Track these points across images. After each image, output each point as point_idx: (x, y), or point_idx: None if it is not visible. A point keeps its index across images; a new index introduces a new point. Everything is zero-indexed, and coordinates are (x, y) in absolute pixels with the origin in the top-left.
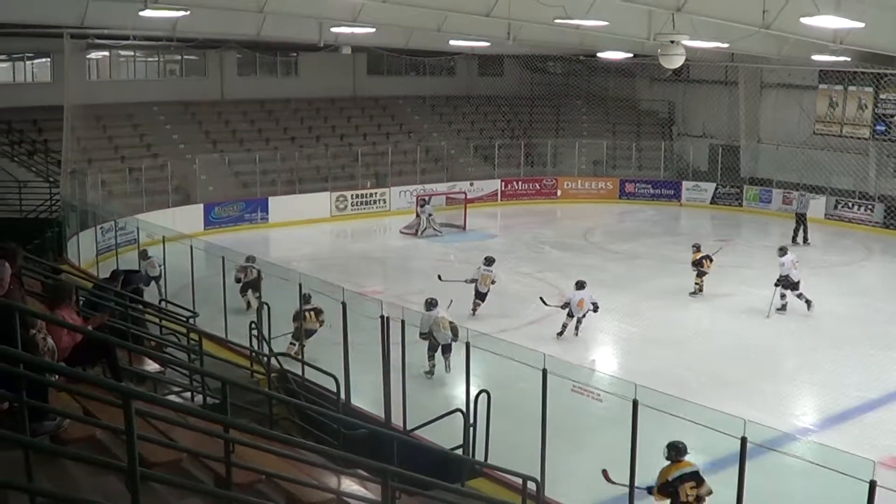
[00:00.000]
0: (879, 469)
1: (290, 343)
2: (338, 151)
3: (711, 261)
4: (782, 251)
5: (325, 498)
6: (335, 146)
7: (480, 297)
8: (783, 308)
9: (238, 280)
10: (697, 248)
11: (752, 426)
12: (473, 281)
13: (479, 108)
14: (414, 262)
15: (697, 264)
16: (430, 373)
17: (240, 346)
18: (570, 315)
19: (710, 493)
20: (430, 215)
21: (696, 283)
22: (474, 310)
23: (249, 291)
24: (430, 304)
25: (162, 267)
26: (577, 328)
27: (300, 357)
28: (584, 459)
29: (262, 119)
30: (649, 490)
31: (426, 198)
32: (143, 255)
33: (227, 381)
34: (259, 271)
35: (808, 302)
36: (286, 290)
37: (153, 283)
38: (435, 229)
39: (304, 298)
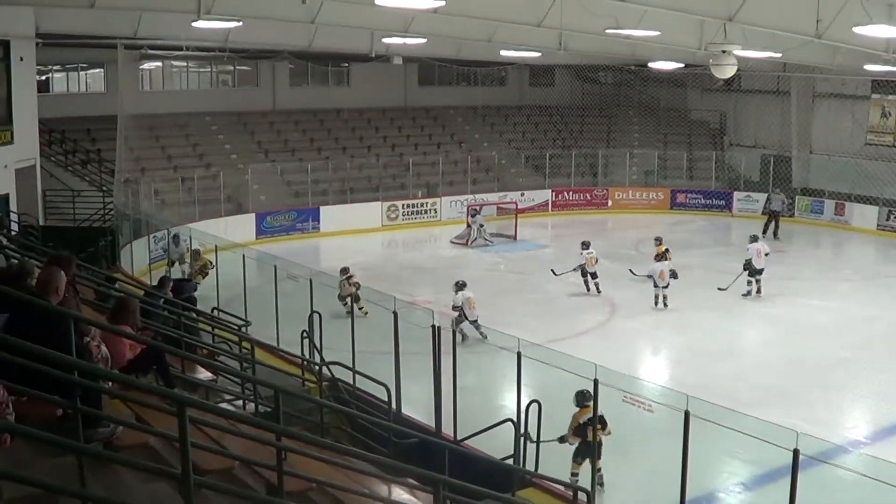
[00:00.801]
0: None
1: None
2: (389, 161)
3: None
4: (753, 238)
5: None
6: (386, 156)
7: (592, 276)
8: (748, 294)
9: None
10: (660, 241)
11: (805, 438)
12: (580, 266)
13: (529, 118)
14: (464, 272)
15: (661, 257)
16: (463, 335)
17: (292, 354)
18: (656, 286)
19: (610, 433)
20: (481, 225)
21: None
22: (598, 287)
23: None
24: (460, 287)
25: (190, 251)
26: (664, 300)
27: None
28: (635, 471)
29: (314, 129)
30: (562, 439)
31: (477, 207)
32: (175, 241)
33: (279, 389)
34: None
35: (759, 290)
36: (336, 300)
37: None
38: (486, 239)
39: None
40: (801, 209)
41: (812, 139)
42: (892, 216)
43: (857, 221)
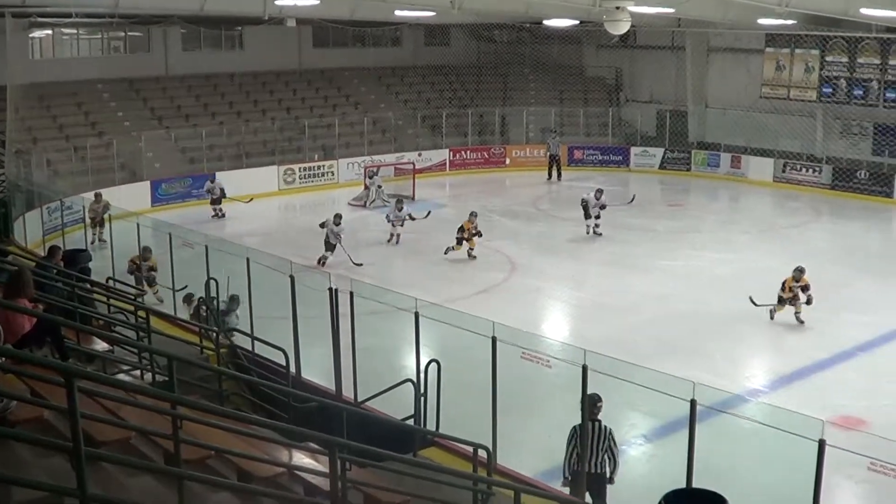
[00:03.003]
0: (829, 428)
1: None
2: (284, 125)
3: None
4: (599, 192)
5: (276, 472)
6: (281, 119)
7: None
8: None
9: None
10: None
11: (702, 389)
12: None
13: (425, 79)
14: (363, 234)
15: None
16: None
17: (189, 322)
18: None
19: None
20: (379, 186)
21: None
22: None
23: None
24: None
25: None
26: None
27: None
28: (536, 426)
29: (208, 94)
30: None
31: (374, 169)
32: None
33: (172, 358)
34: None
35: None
36: (234, 266)
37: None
38: (384, 200)
39: None
40: (697, 163)
41: (707, 93)
42: (787, 168)
43: (754, 174)
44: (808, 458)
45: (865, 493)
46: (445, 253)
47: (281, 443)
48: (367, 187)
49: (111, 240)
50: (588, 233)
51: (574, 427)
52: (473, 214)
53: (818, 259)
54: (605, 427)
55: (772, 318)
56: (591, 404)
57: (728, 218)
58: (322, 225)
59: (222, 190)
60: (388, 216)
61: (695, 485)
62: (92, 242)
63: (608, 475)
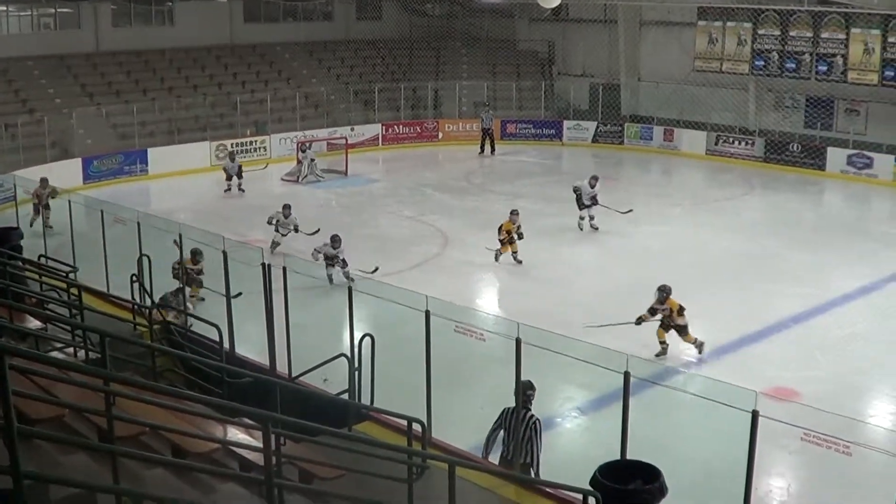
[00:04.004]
0: (762, 399)
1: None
2: (216, 100)
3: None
4: (594, 179)
5: (210, 447)
6: (213, 95)
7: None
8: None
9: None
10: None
11: (636, 361)
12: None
13: (357, 53)
14: (296, 210)
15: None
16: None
17: (122, 299)
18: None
19: None
20: (312, 160)
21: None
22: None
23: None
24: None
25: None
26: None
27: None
28: (471, 400)
29: (139, 70)
30: None
31: (307, 143)
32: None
33: (104, 334)
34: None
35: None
36: (167, 242)
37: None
38: (317, 175)
39: None
40: (630, 136)
41: (640, 67)
42: (720, 141)
43: (687, 147)
44: (742, 429)
45: (799, 463)
46: (496, 260)
47: (215, 418)
48: (299, 162)
49: (43, 217)
50: (580, 228)
51: (504, 410)
52: (514, 213)
53: (751, 232)
54: (531, 416)
55: (496, 259)
56: (523, 391)
57: (661, 191)
58: (270, 221)
59: (240, 167)
60: (271, 220)
61: (629, 457)
62: (31, 225)
63: (531, 465)
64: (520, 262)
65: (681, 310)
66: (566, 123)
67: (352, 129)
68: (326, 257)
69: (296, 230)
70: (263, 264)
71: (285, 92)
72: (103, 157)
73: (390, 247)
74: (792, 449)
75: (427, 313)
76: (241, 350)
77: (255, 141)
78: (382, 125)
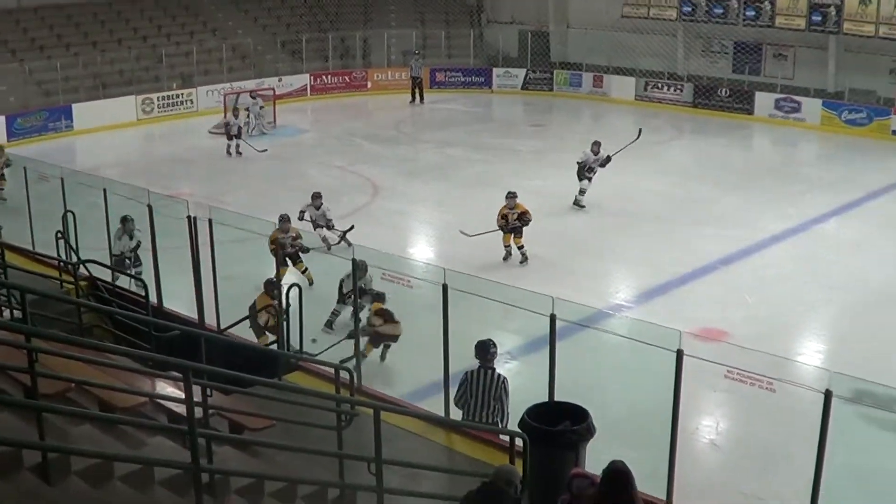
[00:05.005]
0: (688, 339)
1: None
2: (141, 54)
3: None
4: (596, 145)
5: (137, 401)
6: (138, 48)
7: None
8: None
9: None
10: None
11: (562, 304)
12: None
13: (284, 3)
14: (225, 162)
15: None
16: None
17: (47, 256)
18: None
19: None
20: (262, 107)
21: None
22: None
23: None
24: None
25: None
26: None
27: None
28: (401, 347)
29: (62, 24)
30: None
31: (255, 94)
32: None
33: (24, 290)
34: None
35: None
36: (92, 198)
37: None
38: (262, 128)
39: None
40: (559, 83)
41: (569, 13)
42: (649, 87)
43: (616, 93)
44: (669, 369)
45: (724, 400)
46: (504, 260)
47: (142, 372)
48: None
49: None
50: (581, 204)
51: (465, 373)
52: (510, 195)
53: (681, 176)
54: (499, 376)
55: (504, 259)
56: (483, 350)
57: (590, 137)
58: (302, 216)
59: (239, 128)
60: (302, 214)
61: (558, 399)
62: None
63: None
64: (525, 258)
65: (524, 214)
66: (496, 71)
67: (279, 80)
68: (313, 221)
69: (328, 227)
70: (189, 217)
71: (211, 44)
72: (27, 115)
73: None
74: (719, 388)
75: (353, 261)
76: (170, 305)
77: (182, 94)
78: (311, 75)
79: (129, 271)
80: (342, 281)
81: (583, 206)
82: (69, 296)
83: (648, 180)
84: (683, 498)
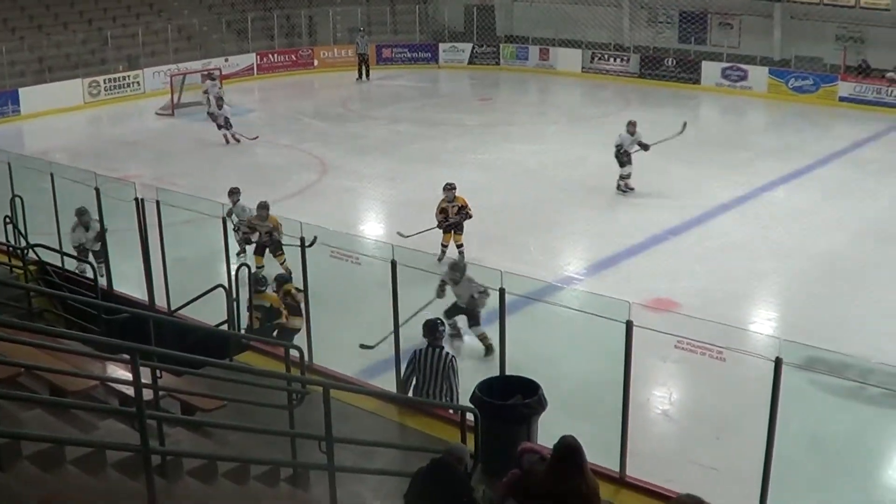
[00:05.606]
0: (638, 310)
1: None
2: (87, 37)
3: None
4: (631, 125)
5: (88, 385)
6: (84, 31)
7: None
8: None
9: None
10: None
11: (511, 277)
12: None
13: None
14: (173, 143)
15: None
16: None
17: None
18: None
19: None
20: (220, 87)
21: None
22: None
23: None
24: None
25: None
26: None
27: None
28: (351, 326)
29: (6, 8)
30: None
31: (213, 72)
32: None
33: None
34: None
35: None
36: (40, 183)
37: None
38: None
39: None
40: (506, 57)
41: None
42: (595, 58)
43: (562, 65)
44: (620, 341)
45: (675, 370)
46: (439, 261)
47: (93, 356)
48: (174, 94)
49: None
50: (620, 189)
51: (413, 352)
52: (448, 187)
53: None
54: (447, 354)
55: (439, 260)
56: (431, 329)
57: (538, 110)
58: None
59: (226, 119)
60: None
61: (509, 373)
62: None
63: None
64: (462, 255)
65: (464, 207)
66: (442, 46)
67: (226, 60)
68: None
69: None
70: (136, 199)
71: (157, 25)
72: None
73: (268, 176)
74: (669, 358)
75: (302, 240)
76: (120, 288)
77: (129, 76)
78: (257, 55)
79: (89, 260)
80: None
81: (631, 189)
82: (18, 281)
83: (596, 152)
84: (636, 469)
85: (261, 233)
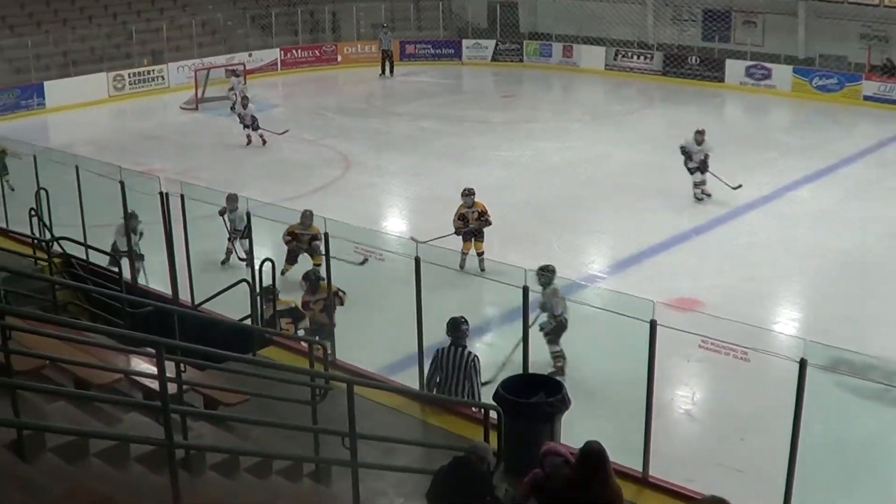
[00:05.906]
0: (662, 309)
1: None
2: (112, 31)
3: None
4: (700, 134)
5: (113, 378)
6: (109, 25)
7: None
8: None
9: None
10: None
11: (534, 275)
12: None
13: None
14: (197, 138)
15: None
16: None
17: (21, 234)
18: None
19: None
20: (245, 84)
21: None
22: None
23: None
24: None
25: None
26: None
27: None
28: (376, 321)
29: (32, 2)
30: None
31: (237, 68)
32: None
33: None
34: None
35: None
36: (65, 176)
37: None
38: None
39: None
40: (529, 54)
41: None
42: (619, 56)
43: (586, 62)
44: (643, 340)
45: (699, 370)
46: (461, 268)
47: (118, 349)
48: (198, 89)
49: None
50: (698, 196)
51: (437, 350)
52: (466, 193)
53: (651, 144)
54: (470, 353)
55: (461, 267)
56: (455, 328)
57: (561, 107)
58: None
59: (254, 118)
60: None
61: (531, 371)
62: None
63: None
64: (483, 268)
65: (484, 213)
66: (465, 42)
67: (250, 55)
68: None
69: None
70: (161, 193)
71: (181, 19)
72: None
73: (291, 171)
74: (693, 358)
75: (326, 235)
76: (143, 281)
77: (153, 70)
78: (281, 50)
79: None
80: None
81: (708, 195)
82: (43, 273)
83: (620, 150)
84: (659, 469)
85: (300, 240)
